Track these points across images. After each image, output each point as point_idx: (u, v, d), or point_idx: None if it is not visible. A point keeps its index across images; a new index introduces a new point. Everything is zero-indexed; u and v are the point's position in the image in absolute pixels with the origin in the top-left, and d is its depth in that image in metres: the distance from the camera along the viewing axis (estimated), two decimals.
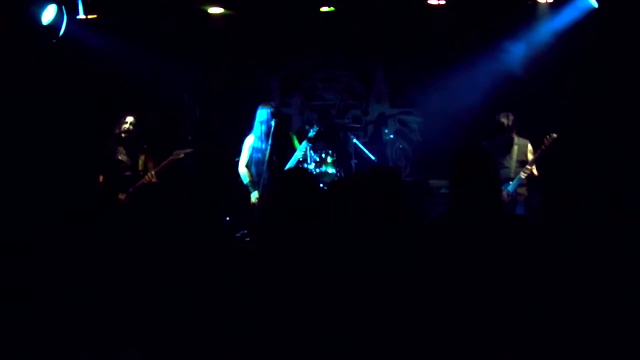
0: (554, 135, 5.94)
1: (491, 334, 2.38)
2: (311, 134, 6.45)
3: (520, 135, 6.18)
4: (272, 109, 6.13)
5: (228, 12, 7.60)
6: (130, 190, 5.98)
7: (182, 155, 6.16)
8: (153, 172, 6.01)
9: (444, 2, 7.16)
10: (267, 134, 6.06)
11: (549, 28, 7.07)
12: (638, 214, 2.58)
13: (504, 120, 6.09)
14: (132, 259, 2.65)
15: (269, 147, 6.01)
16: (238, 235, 7.06)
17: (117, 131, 6.06)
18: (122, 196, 5.94)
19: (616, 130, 6.51)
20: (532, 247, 2.64)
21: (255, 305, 2.40)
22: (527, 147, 6.19)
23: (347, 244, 2.63)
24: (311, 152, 7.00)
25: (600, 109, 6.60)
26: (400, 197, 2.81)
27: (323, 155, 7.06)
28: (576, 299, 2.39)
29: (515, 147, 6.16)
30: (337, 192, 3.04)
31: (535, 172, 6.08)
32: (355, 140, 7.59)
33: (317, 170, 6.88)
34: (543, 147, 5.96)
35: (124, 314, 2.45)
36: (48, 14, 6.08)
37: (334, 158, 7.08)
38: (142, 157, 6.15)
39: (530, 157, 6.12)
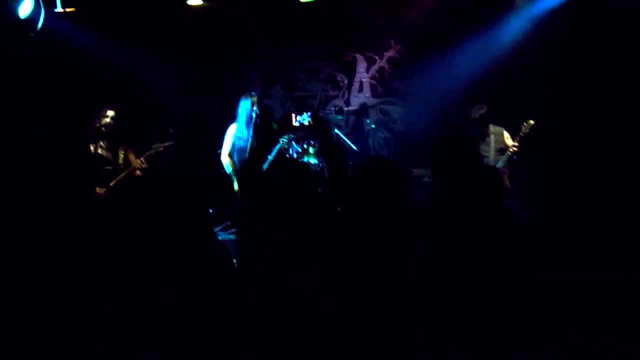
0: (531, 122, 5.99)
1: (479, 326, 2.40)
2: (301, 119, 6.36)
3: (498, 123, 6.24)
4: (253, 100, 6.20)
5: (208, 3, 7.56)
6: (112, 183, 5.96)
7: (161, 149, 6.16)
8: (143, 159, 6.00)
9: None
10: (249, 124, 6.13)
11: (527, 16, 7.12)
12: (618, 202, 2.60)
13: (477, 113, 6.15)
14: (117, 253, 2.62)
15: (251, 137, 6.06)
16: (222, 226, 7.10)
17: (98, 125, 6.00)
18: (100, 190, 5.90)
19: (596, 119, 6.57)
20: (516, 235, 2.67)
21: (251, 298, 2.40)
22: (503, 134, 6.23)
23: (346, 234, 2.64)
24: (293, 143, 7.03)
25: (578, 97, 6.66)
26: (399, 186, 2.81)
27: (305, 146, 7.11)
28: (562, 289, 2.40)
29: (492, 137, 6.20)
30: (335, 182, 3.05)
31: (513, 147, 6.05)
32: (337, 131, 7.62)
33: (299, 161, 6.90)
34: (521, 134, 6.01)
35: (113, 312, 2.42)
36: (25, 8, 6.01)
37: (316, 149, 7.12)
38: (123, 151, 6.12)
39: (508, 142, 6.15)
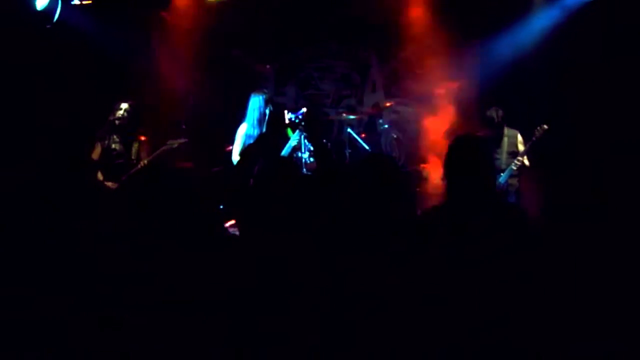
0: (545, 126, 5.98)
1: (488, 325, 2.38)
2: (291, 116, 6.34)
3: (510, 126, 6.22)
4: (265, 97, 6.09)
5: None
6: (123, 178, 5.96)
7: (175, 146, 6.15)
8: (146, 161, 5.99)
9: None
10: (260, 122, 6.03)
11: (544, 19, 7.08)
12: (628, 207, 2.57)
13: (493, 115, 6.15)
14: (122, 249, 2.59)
15: None
16: (232, 222, 7.08)
17: (111, 118, 6.01)
18: (112, 185, 5.90)
19: (609, 122, 6.52)
20: (527, 236, 2.66)
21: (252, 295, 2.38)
22: (517, 137, 6.23)
23: (343, 233, 2.61)
24: (305, 141, 6.99)
25: (593, 101, 6.61)
26: (399, 186, 2.79)
27: None
28: (572, 289, 2.39)
29: (505, 139, 6.21)
30: (333, 179, 3.02)
31: (526, 162, 6.13)
32: (349, 130, 7.59)
33: (312, 159, 6.87)
34: (534, 138, 6.00)
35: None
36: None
37: (328, 147, 7.09)
38: (136, 146, 6.11)
39: (520, 147, 6.16)
